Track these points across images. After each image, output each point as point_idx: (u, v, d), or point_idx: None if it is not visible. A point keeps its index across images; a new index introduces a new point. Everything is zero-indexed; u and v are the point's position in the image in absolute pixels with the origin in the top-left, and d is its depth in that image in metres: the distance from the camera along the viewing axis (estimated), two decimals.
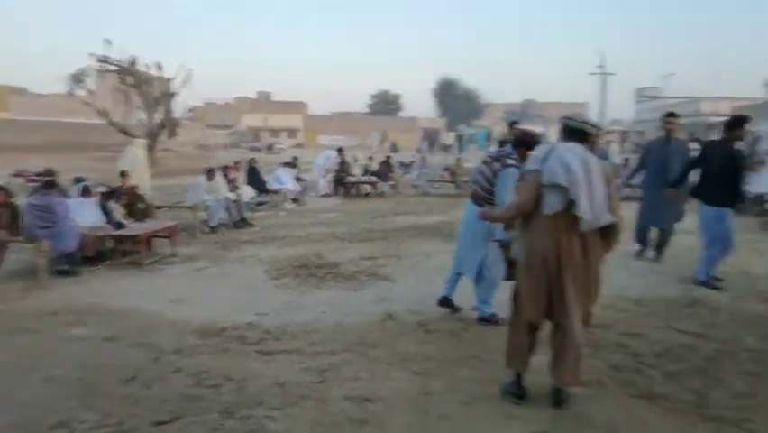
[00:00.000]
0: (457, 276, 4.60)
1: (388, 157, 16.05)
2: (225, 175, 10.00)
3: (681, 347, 3.89)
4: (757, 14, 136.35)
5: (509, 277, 3.35)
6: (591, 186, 2.83)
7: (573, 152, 2.90)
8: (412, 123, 53.23)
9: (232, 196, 9.56)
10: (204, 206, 8.92)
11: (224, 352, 3.89)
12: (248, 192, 10.50)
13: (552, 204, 2.87)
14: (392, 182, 14.81)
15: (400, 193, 14.73)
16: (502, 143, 5.27)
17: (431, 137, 45.85)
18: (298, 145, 51.05)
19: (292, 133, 59.64)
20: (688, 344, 3.95)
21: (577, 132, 3.00)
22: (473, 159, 17.55)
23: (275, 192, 11.99)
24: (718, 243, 5.40)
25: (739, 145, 5.69)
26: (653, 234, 6.67)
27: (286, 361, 3.74)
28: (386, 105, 64.50)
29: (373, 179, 14.38)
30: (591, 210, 2.81)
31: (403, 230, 8.94)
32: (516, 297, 3.13)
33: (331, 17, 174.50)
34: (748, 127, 5.58)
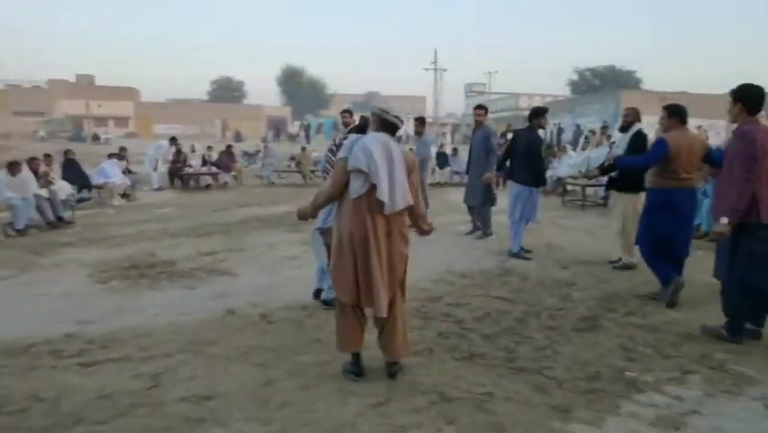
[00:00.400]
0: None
1: (230, 146, 15.37)
2: (34, 169, 8.69)
3: (496, 312, 4.43)
4: (566, 20, 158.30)
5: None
6: (392, 173, 3.06)
7: (378, 140, 3.12)
8: (258, 111, 51.50)
9: (44, 193, 8.36)
10: (6, 205, 7.66)
11: (32, 370, 3.41)
12: (65, 188, 9.27)
13: (356, 188, 3.06)
14: (234, 173, 14.26)
15: (244, 184, 14.25)
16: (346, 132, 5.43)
17: (277, 126, 45.18)
18: (130, 135, 46.31)
19: (122, 121, 53.74)
20: (501, 308, 4.51)
21: (385, 123, 3.21)
22: (320, 148, 17.65)
23: (100, 187, 10.77)
24: (525, 217, 6.25)
25: (543, 133, 6.67)
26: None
27: (113, 370, 3.43)
28: (228, 91, 61.19)
29: (213, 169, 13.68)
30: (390, 195, 3.04)
31: (246, 222, 8.70)
32: (333, 280, 3.28)
33: None
34: (551, 119, 6.61)
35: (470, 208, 7.46)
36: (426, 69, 47.13)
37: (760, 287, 3.70)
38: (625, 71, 48.87)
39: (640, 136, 5.46)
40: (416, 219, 3.32)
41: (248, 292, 4.97)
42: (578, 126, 24.23)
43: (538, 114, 6.34)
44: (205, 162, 13.93)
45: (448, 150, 15.87)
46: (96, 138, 39.56)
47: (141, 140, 34.78)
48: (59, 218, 8.41)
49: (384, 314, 3.11)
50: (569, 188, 11.33)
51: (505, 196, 7.09)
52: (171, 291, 5.08)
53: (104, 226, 8.45)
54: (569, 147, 14.62)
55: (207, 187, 13.49)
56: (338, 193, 3.15)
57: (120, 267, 5.85)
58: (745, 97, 3.70)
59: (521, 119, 36.24)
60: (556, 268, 5.88)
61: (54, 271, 5.81)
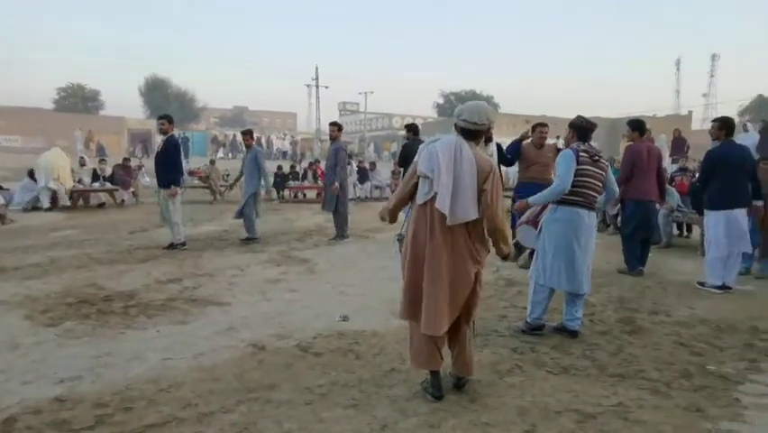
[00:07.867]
0: None
1: (126, 159, 13.46)
2: None
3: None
4: (429, 49, 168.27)
5: None
6: (459, 180, 2.80)
7: (447, 145, 2.87)
8: (119, 123, 46.01)
9: None
10: None
11: None
12: None
13: (422, 194, 2.91)
14: (133, 189, 12.52)
15: (143, 202, 12.55)
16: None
17: (143, 140, 41.14)
18: None
19: None
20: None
21: (462, 129, 2.94)
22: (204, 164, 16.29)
23: None
24: None
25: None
26: None
27: None
28: (81, 101, 53.82)
29: (108, 185, 11.85)
30: (451, 204, 2.77)
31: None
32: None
33: None
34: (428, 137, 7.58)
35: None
36: (308, 86, 46.70)
37: None
38: (485, 96, 53.17)
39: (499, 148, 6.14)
40: (493, 236, 2.97)
41: (257, 323, 4.25)
42: None
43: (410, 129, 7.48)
44: (97, 178, 11.97)
45: (367, 164, 15.64)
46: None
47: None
48: None
49: (436, 332, 2.83)
50: None
51: None
52: (160, 328, 4.14)
53: None
54: None
55: (101, 206, 11.64)
56: (406, 197, 3.03)
57: (65, 304, 4.67)
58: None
59: (400, 137, 37.67)
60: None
61: None
